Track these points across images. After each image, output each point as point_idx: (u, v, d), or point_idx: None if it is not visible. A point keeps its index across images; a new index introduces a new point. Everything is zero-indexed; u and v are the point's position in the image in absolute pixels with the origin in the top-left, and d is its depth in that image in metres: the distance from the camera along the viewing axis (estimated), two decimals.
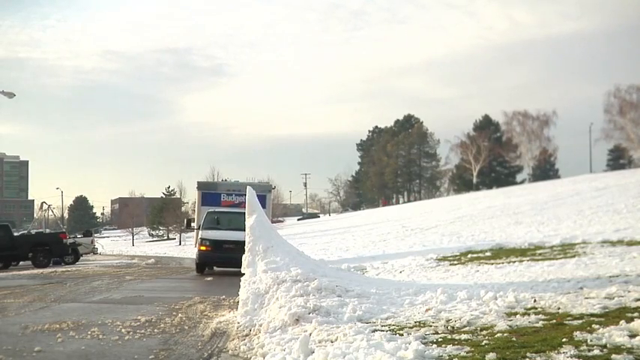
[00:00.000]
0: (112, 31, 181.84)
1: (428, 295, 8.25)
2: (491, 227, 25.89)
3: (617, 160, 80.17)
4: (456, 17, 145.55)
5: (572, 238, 17.13)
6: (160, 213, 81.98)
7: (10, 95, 26.93)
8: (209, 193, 23.19)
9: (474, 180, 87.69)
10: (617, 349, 4.90)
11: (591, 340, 5.19)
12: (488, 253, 16.42)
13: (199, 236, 18.63)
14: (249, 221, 9.84)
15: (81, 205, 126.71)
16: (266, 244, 9.19)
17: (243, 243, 15.01)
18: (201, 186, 24.02)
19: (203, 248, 17.91)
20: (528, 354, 4.88)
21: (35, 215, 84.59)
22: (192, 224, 23.89)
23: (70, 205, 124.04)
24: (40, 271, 20.71)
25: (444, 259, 16.17)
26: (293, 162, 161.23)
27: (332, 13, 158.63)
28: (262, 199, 16.45)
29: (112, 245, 67.03)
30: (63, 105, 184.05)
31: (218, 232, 18.15)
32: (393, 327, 6.44)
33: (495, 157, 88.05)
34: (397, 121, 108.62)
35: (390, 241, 26.56)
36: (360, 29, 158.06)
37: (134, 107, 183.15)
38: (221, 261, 18.12)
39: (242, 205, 19.38)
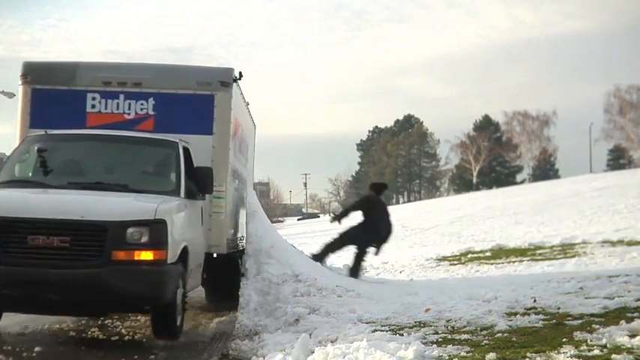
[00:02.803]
0: (113, 30, 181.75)
1: (428, 295, 8.26)
2: (491, 227, 25.88)
3: (617, 160, 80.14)
4: (458, 16, 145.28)
5: (572, 238, 17.11)
6: None
7: (10, 95, 26.86)
8: (54, 90, 8.30)
9: (474, 180, 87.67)
10: (617, 349, 4.91)
11: (591, 340, 5.20)
12: (488, 253, 16.41)
13: None
14: (250, 221, 9.75)
15: None
16: (267, 243, 9.19)
17: (107, 227, 5.87)
18: (32, 72, 8.40)
19: None
20: (528, 354, 4.88)
21: None
22: None
23: None
24: None
25: (444, 259, 16.15)
26: (293, 162, 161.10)
27: (334, 12, 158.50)
28: (206, 104, 8.14)
29: None
30: None
31: (36, 196, 6.67)
32: (393, 327, 6.44)
33: (495, 157, 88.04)
34: (397, 121, 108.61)
35: (389, 241, 26.54)
36: (362, 29, 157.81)
37: None
38: (18, 295, 5.94)
39: (146, 123, 8.07)
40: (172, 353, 6.13)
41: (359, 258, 10.82)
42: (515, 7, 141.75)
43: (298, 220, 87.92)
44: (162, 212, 6.10)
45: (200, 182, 7.21)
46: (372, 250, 11.04)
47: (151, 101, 8.16)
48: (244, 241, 9.65)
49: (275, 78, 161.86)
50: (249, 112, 10.80)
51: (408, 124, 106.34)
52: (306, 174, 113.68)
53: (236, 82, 8.58)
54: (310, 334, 6.05)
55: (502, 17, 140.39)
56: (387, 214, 11.16)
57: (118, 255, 5.88)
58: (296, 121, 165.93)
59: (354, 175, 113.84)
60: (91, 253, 5.86)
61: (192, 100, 8.16)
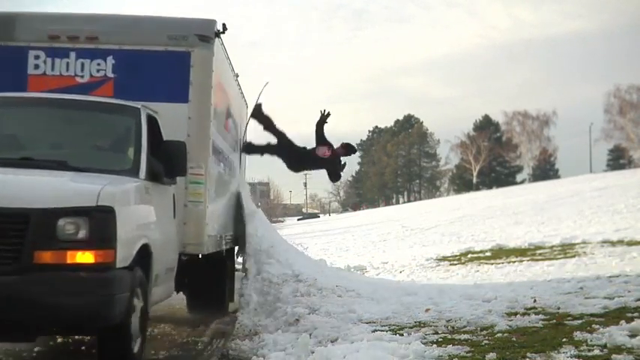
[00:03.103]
0: None
1: (428, 295, 8.26)
2: (491, 227, 25.86)
3: (617, 160, 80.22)
4: (458, 16, 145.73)
5: (572, 238, 17.10)
6: None
7: None
8: None
9: (474, 180, 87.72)
10: (617, 349, 4.92)
11: (591, 340, 5.20)
12: (488, 253, 16.40)
13: None
14: (250, 221, 9.71)
15: None
16: (267, 243, 9.19)
17: (28, 217, 4.21)
18: None
19: None
20: (528, 354, 4.89)
21: None
22: None
23: None
24: None
25: (444, 259, 16.15)
26: None
27: (334, 12, 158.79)
28: (180, 63, 6.48)
29: None
30: None
31: None
32: (393, 327, 6.44)
33: (495, 157, 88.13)
34: (397, 121, 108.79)
35: (390, 241, 26.56)
36: (362, 29, 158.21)
37: None
38: None
39: (103, 87, 6.42)
40: (172, 353, 6.13)
41: (264, 150, 10.69)
42: (515, 7, 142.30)
43: (298, 220, 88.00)
44: (109, 197, 4.42)
45: (170, 161, 5.46)
46: (279, 160, 10.79)
47: (110, 60, 6.48)
48: (234, 238, 8.96)
49: (275, 78, 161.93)
50: (238, 85, 9.17)
51: (408, 124, 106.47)
52: (306, 174, 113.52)
53: (219, 36, 6.80)
54: (310, 334, 6.05)
55: (502, 17, 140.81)
56: (316, 166, 10.89)
57: (43, 256, 4.22)
58: (296, 121, 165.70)
59: (354, 175, 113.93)
60: (4, 253, 4.20)
61: (163, 59, 6.50)
